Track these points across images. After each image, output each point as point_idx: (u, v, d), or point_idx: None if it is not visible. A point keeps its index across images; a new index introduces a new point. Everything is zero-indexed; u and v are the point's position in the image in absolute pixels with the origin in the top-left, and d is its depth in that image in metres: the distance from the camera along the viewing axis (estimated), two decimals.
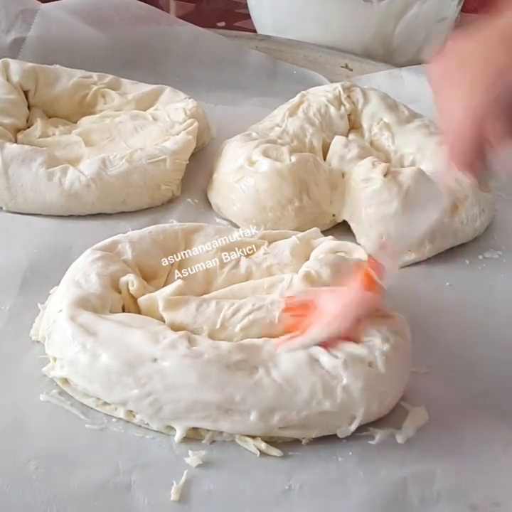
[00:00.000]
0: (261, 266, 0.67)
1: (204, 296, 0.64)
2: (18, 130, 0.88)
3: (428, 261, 0.80)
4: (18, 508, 0.52)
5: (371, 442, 0.58)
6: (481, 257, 0.81)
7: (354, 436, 0.58)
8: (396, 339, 0.60)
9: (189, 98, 0.94)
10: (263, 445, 0.57)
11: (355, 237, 0.81)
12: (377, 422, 0.59)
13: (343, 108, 0.90)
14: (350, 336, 0.59)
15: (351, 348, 0.58)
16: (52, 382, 0.61)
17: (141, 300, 0.62)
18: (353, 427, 0.57)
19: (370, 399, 0.57)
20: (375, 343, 0.59)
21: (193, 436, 0.57)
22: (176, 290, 0.62)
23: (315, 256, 0.68)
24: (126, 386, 0.56)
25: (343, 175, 0.82)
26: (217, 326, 0.60)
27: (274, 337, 0.60)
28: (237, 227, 0.79)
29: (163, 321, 0.61)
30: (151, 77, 1.02)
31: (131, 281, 0.63)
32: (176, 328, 0.60)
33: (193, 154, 0.88)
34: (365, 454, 0.57)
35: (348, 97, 0.91)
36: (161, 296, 0.61)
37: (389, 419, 0.60)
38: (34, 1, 1.06)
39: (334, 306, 0.59)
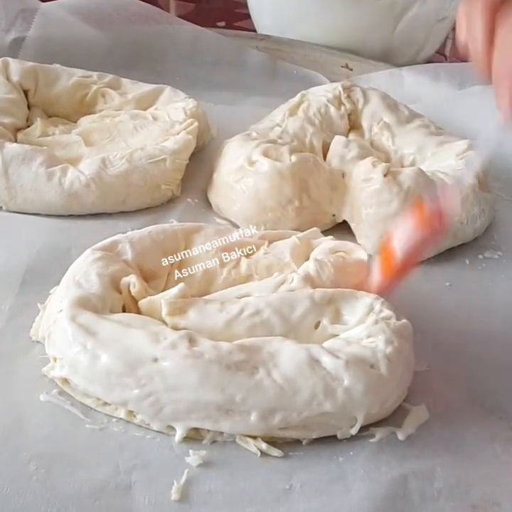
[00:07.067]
0: (261, 266, 0.67)
1: (205, 297, 0.64)
2: (17, 129, 0.88)
3: (428, 261, 0.79)
4: (18, 508, 0.51)
5: (372, 440, 0.58)
6: (481, 257, 0.81)
7: (355, 435, 0.58)
8: (400, 342, 0.59)
9: (189, 98, 0.94)
10: (264, 445, 0.57)
11: (355, 237, 0.81)
12: (378, 421, 0.59)
13: (343, 108, 0.90)
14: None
15: (353, 348, 0.58)
16: (52, 382, 0.60)
17: (141, 303, 0.62)
18: (354, 431, 0.57)
19: (371, 401, 0.57)
20: (378, 345, 0.58)
21: (193, 437, 0.57)
22: (179, 294, 0.61)
23: (315, 256, 0.68)
24: (126, 386, 0.56)
25: (343, 175, 0.82)
26: (221, 330, 0.60)
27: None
28: (237, 227, 0.79)
29: (165, 322, 0.60)
30: (151, 76, 1.02)
31: (133, 282, 0.62)
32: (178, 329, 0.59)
33: (193, 154, 0.88)
34: (366, 452, 0.57)
35: (348, 96, 0.91)
36: (164, 300, 0.61)
37: (389, 417, 0.60)
38: (34, 0, 1.06)
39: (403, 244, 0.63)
